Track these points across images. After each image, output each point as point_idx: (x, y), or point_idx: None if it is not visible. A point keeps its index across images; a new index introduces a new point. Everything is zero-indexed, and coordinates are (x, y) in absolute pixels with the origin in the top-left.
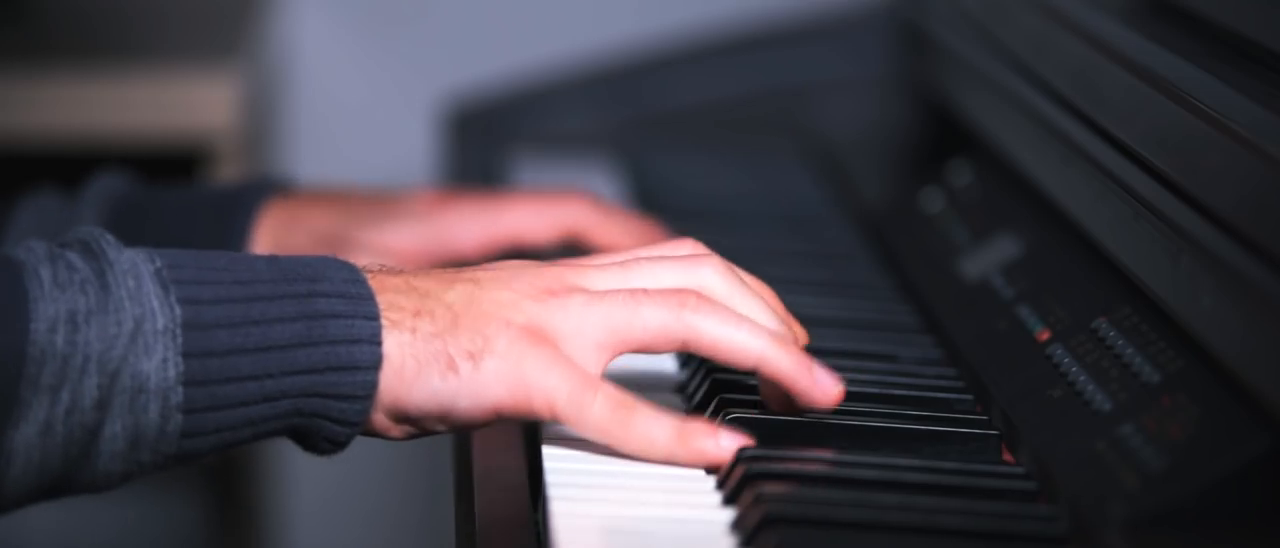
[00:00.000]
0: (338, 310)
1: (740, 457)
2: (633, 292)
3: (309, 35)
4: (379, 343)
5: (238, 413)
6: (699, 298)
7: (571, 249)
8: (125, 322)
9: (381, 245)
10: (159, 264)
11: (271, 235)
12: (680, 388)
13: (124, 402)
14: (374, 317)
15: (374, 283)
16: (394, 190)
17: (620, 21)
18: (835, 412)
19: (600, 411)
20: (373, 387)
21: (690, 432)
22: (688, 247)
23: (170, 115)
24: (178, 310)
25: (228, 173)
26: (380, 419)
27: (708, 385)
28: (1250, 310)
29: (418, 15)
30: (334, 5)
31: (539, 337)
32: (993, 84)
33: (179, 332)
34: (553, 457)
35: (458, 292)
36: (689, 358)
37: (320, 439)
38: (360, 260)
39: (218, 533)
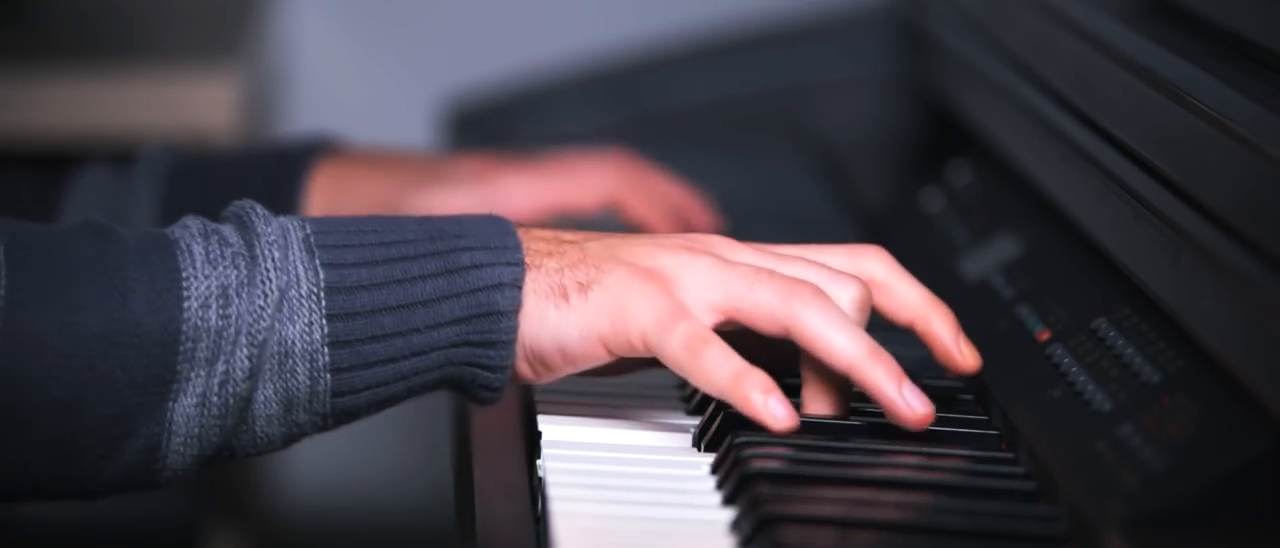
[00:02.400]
0: (480, 261)
1: (740, 457)
2: (758, 269)
3: (309, 35)
4: (520, 287)
5: (387, 369)
6: (814, 292)
7: None
8: (272, 292)
9: (435, 209)
10: (308, 231)
11: (324, 198)
12: (682, 383)
13: (273, 367)
14: (517, 263)
15: (522, 234)
16: (442, 154)
17: (620, 22)
18: (835, 412)
19: (677, 340)
20: (513, 331)
21: (747, 379)
22: (872, 252)
23: (170, 115)
24: (322, 274)
25: None
26: (521, 363)
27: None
28: (1250, 310)
29: (418, 15)
30: (334, 5)
31: (652, 275)
32: (993, 84)
33: (323, 295)
34: (553, 457)
35: (599, 242)
36: None
37: (477, 388)
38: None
39: (217, 532)
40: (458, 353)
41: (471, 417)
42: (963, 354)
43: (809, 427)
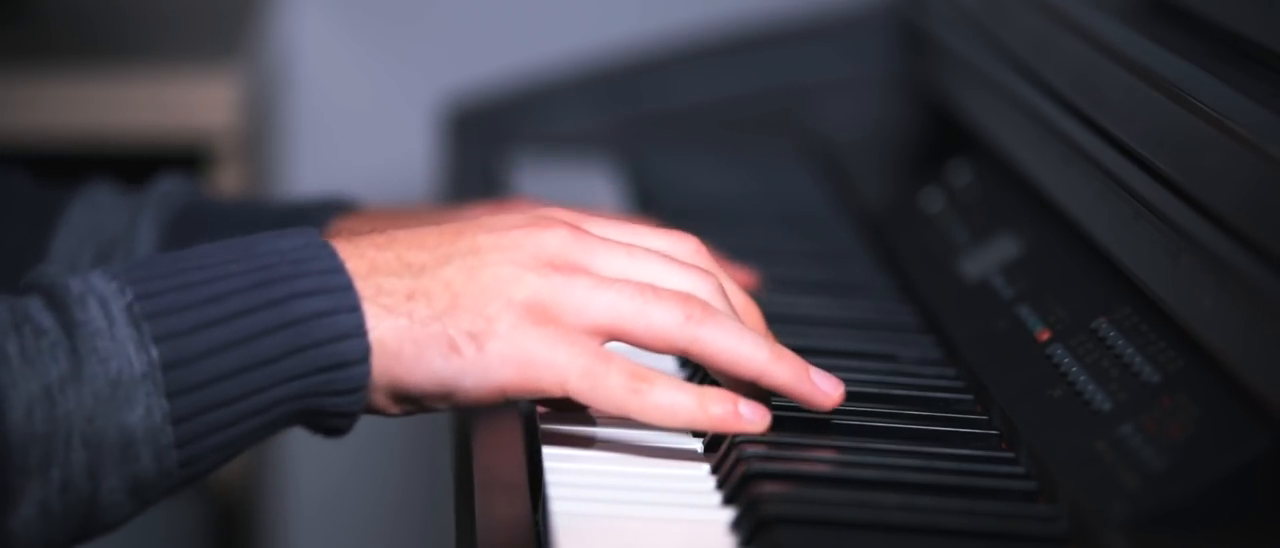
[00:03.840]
0: (320, 309)
1: (740, 457)
2: (641, 287)
3: (309, 35)
4: (364, 335)
5: (233, 431)
6: (705, 308)
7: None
8: (102, 386)
9: None
10: (130, 298)
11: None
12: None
13: (114, 459)
14: (355, 308)
15: (364, 264)
16: (457, 207)
17: (620, 22)
18: (835, 411)
19: (616, 383)
20: (365, 378)
21: (711, 397)
22: (690, 245)
23: (170, 115)
24: (154, 352)
25: (228, 173)
26: (379, 399)
27: (699, 378)
28: (1250, 310)
29: (418, 15)
30: (334, 5)
31: (542, 315)
32: (993, 84)
33: (159, 374)
34: (553, 457)
35: (455, 267)
36: None
37: (324, 430)
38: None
39: (218, 534)
40: (303, 403)
41: (472, 417)
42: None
43: (809, 427)
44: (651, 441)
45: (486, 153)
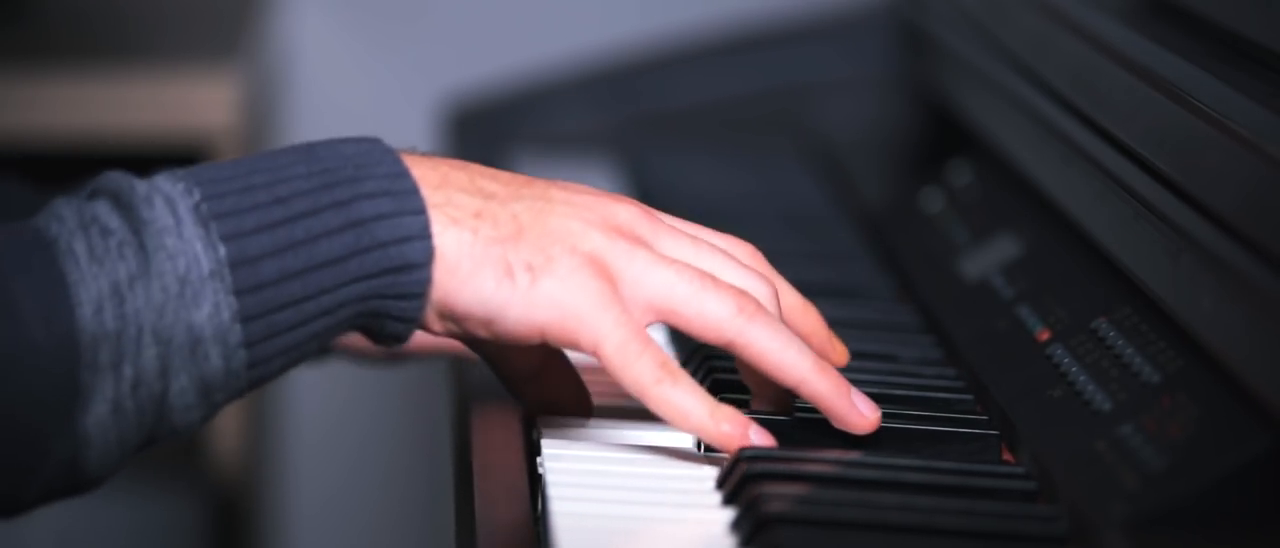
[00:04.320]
0: (383, 211)
1: (740, 456)
2: (701, 273)
3: (309, 35)
4: (429, 237)
5: (300, 332)
6: (758, 307)
7: None
8: (170, 282)
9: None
10: (197, 198)
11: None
12: None
13: (184, 357)
14: (420, 211)
15: (435, 174)
16: None
17: (621, 21)
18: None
19: (646, 367)
20: (427, 283)
21: (724, 414)
22: (748, 251)
23: (170, 115)
24: (222, 250)
25: None
26: (427, 314)
27: (709, 385)
28: (1250, 310)
29: (418, 15)
30: (334, 5)
31: (602, 270)
32: (993, 84)
33: (226, 272)
34: (553, 456)
35: (525, 205)
36: (691, 354)
37: (385, 336)
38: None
39: (218, 532)
40: (368, 305)
41: (472, 417)
42: (835, 351)
43: (809, 427)
44: (652, 441)
45: (486, 153)
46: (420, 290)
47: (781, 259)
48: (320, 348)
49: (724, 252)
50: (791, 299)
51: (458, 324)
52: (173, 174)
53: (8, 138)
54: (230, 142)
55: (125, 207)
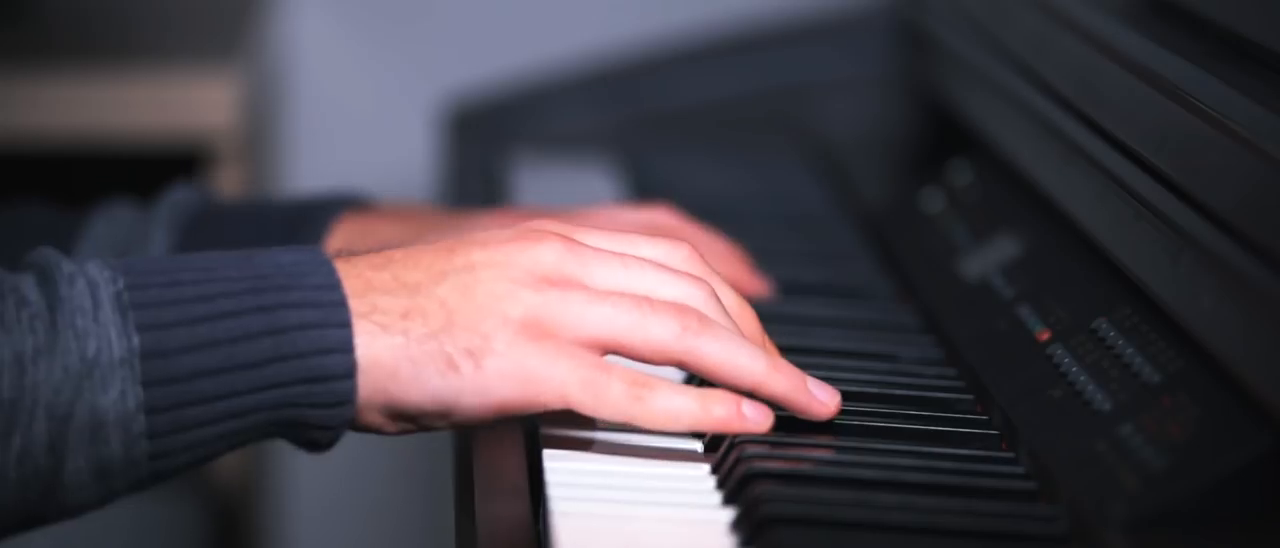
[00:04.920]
0: (308, 321)
1: (740, 457)
2: (637, 300)
3: (309, 35)
4: (350, 351)
5: (208, 431)
6: (701, 319)
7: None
8: (73, 362)
9: None
10: (120, 286)
11: (342, 248)
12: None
13: (83, 437)
14: (345, 324)
15: (358, 282)
16: (467, 209)
17: (620, 22)
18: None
19: (618, 392)
20: (350, 393)
21: (713, 399)
22: (683, 251)
23: (170, 115)
24: (135, 340)
25: (228, 173)
26: (374, 418)
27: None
28: (1250, 310)
29: (418, 15)
30: (334, 5)
31: (538, 330)
32: (993, 84)
33: (137, 361)
34: (553, 458)
35: (450, 284)
36: None
37: (304, 444)
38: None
39: (218, 533)
40: (283, 414)
41: None
42: (770, 351)
43: (810, 427)
44: (651, 441)
45: (486, 153)
46: (339, 400)
47: (782, 259)
48: (230, 448)
49: (655, 262)
50: (729, 300)
51: (413, 422)
52: (104, 261)
53: (8, 138)
54: (230, 141)
55: (48, 282)
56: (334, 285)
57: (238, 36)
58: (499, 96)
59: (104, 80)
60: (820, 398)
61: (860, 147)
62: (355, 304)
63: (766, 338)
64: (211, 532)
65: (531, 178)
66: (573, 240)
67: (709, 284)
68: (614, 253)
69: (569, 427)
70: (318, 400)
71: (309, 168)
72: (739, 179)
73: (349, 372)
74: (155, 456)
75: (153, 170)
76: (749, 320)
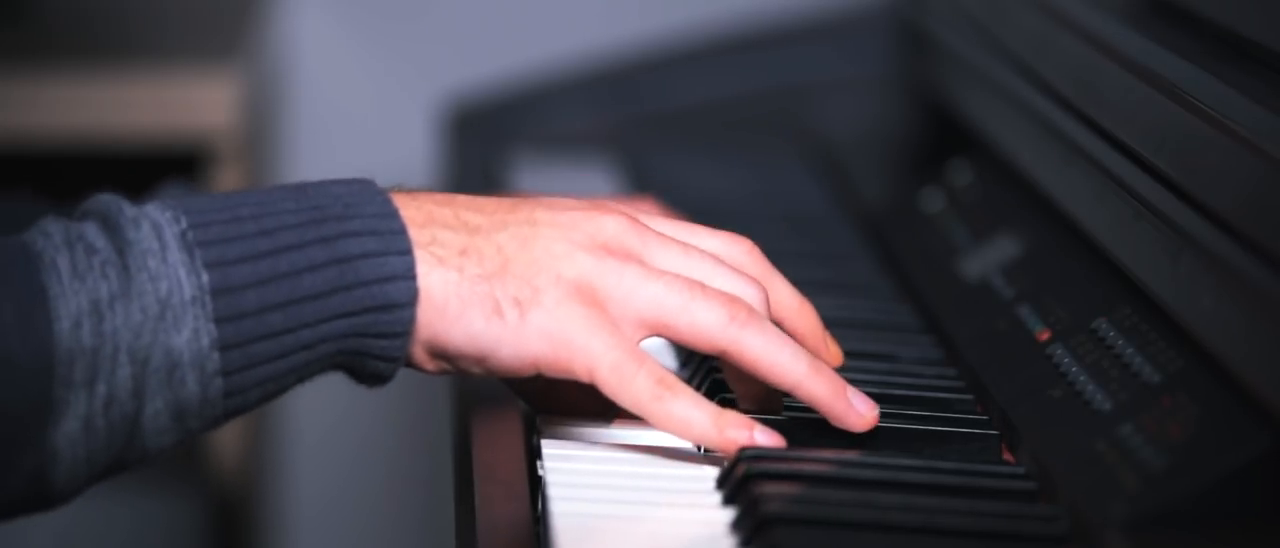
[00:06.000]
0: (369, 249)
1: (741, 457)
2: (691, 283)
3: (309, 35)
4: (413, 278)
5: (278, 365)
6: (750, 312)
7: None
8: (150, 303)
9: None
10: (184, 225)
11: None
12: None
13: (160, 380)
14: (406, 251)
15: (420, 214)
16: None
17: (620, 21)
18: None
19: (643, 385)
20: (410, 322)
21: (728, 420)
22: (744, 247)
23: (170, 115)
24: (205, 277)
25: (228, 173)
26: (418, 353)
27: (708, 385)
28: (1250, 310)
29: (418, 15)
30: (334, 5)
31: (588, 296)
32: (993, 84)
33: (208, 299)
34: (553, 457)
35: (509, 233)
36: (689, 357)
37: (366, 376)
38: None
39: (218, 532)
40: (348, 343)
41: (472, 418)
42: (829, 351)
43: (806, 426)
44: (651, 441)
45: (486, 153)
46: (402, 330)
47: (782, 259)
48: (298, 381)
49: (715, 255)
50: (788, 298)
51: (450, 362)
52: (162, 202)
53: (8, 138)
54: (230, 141)
55: (112, 227)
56: (392, 214)
57: (238, 36)
58: (499, 96)
59: (104, 80)
60: (859, 409)
61: (860, 147)
62: (416, 234)
63: (828, 337)
64: (211, 527)
65: (532, 177)
66: (637, 220)
67: (764, 285)
68: (675, 239)
69: (569, 426)
70: (383, 330)
71: (309, 167)
72: (739, 179)
73: (412, 299)
74: (230, 393)
75: (153, 170)
76: (809, 318)
